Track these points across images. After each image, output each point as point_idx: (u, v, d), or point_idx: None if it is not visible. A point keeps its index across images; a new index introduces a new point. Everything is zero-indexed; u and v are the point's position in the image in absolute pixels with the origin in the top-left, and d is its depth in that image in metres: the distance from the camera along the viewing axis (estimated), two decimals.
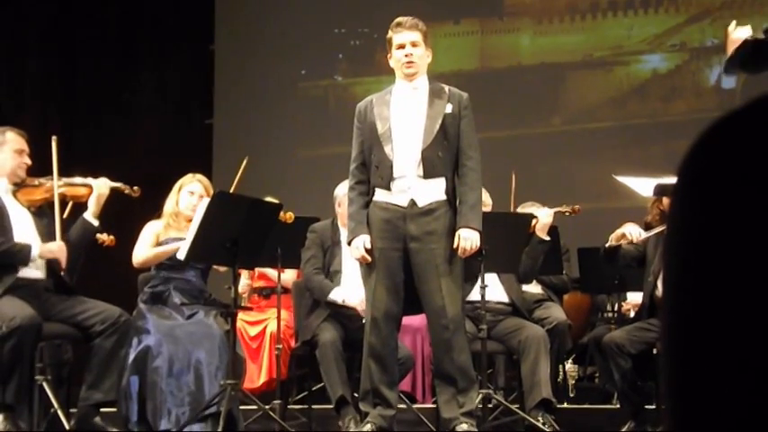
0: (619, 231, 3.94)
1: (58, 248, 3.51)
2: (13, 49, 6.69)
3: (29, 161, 3.62)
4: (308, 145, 7.30)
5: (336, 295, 3.92)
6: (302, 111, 7.39)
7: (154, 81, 7.36)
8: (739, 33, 2.66)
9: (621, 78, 6.94)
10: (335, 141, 6.33)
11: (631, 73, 6.94)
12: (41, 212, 3.62)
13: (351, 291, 3.93)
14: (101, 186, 3.68)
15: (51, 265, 3.54)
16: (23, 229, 3.55)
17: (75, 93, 7.11)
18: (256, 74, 7.45)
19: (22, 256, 3.44)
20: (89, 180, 3.72)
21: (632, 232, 3.87)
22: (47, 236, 3.55)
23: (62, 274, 3.54)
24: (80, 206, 3.76)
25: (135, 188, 3.85)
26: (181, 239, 3.79)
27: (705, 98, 6.74)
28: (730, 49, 2.67)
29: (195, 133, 7.45)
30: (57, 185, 3.60)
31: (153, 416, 3.55)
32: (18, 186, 3.61)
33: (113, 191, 3.75)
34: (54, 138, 3.68)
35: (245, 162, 4.43)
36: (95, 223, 3.70)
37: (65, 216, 3.89)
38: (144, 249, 3.93)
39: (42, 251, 3.48)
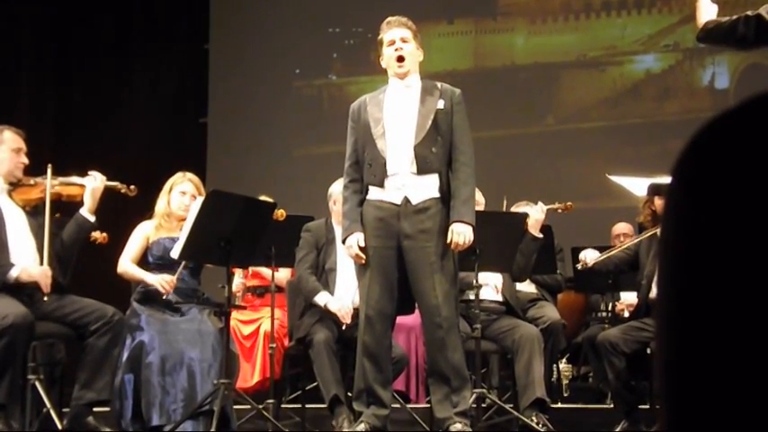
0: (580, 256, 4.19)
1: (39, 273, 3.40)
2: (7, 48, 6.66)
3: (26, 160, 3.60)
4: (302, 144, 7.30)
5: (320, 299, 3.93)
6: (296, 110, 7.38)
7: (148, 80, 7.35)
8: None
9: (615, 78, 6.96)
10: (330, 140, 6.34)
11: (625, 73, 6.95)
12: (36, 212, 3.60)
13: (340, 291, 3.93)
14: (95, 182, 3.64)
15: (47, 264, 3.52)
16: (18, 229, 3.53)
17: (69, 91, 7.09)
18: (251, 73, 7.44)
19: None
20: (83, 179, 3.68)
21: (587, 256, 4.13)
22: (40, 236, 3.53)
23: (44, 299, 3.41)
24: (74, 206, 3.73)
25: (132, 187, 3.82)
26: (171, 243, 3.80)
27: (698, 98, 6.75)
28: (699, 16, 2.71)
29: (189, 132, 7.45)
30: (49, 187, 3.56)
31: (147, 412, 3.55)
32: (14, 186, 3.59)
33: (109, 189, 3.71)
34: (50, 166, 3.61)
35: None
36: (92, 219, 3.65)
37: (57, 215, 3.87)
38: (127, 262, 3.92)
39: (21, 274, 3.39)
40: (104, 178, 3.69)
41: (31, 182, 3.62)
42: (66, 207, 3.73)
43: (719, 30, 2.63)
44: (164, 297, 3.77)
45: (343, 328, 3.82)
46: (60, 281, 3.57)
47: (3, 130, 3.60)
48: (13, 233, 3.50)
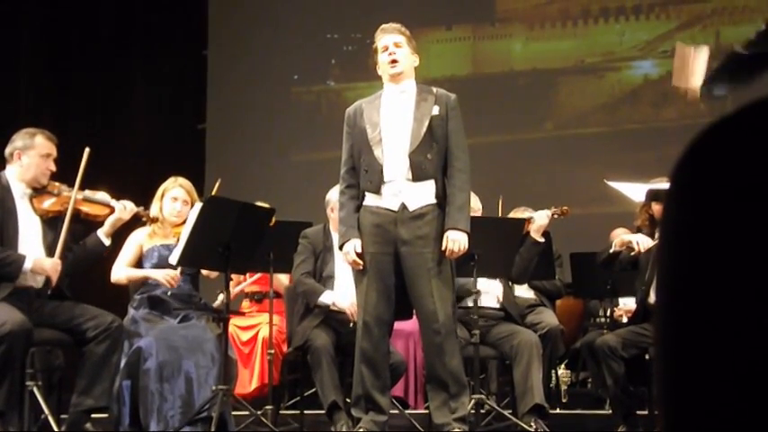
0: (626, 238, 3.91)
1: (50, 266, 3.38)
2: (6, 53, 6.66)
3: (53, 167, 3.52)
4: (300, 150, 7.30)
5: (326, 298, 3.92)
6: (295, 116, 7.39)
7: (147, 85, 7.35)
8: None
9: (613, 84, 6.96)
10: (328, 146, 6.32)
11: (623, 79, 6.96)
12: (52, 224, 3.52)
13: (341, 294, 3.92)
14: (124, 212, 3.58)
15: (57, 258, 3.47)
16: (30, 237, 3.48)
17: (68, 97, 7.08)
18: (249, 79, 7.45)
19: (13, 268, 3.34)
20: (112, 201, 3.61)
21: (640, 241, 3.78)
22: (52, 250, 3.47)
23: (48, 292, 3.42)
24: (89, 223, 3.63)
25: (153, 217, 3.79)
26: (166, 250, 3.80)
27: (696, 104, 6.75)
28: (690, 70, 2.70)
29: (188, 138, 7.44)
30: (75, 196, 3.46)
31: (144, 418, 3.54)
32: (36, 191, 3.52)
33: (133, 215, 3.65)
34: (87, 150, 3.50)
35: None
36: (107, 243, 3.62)
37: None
38: (121, 269, 3.92)
39: (35, 266, 3.37)
40: (132, 208, 3.63)
41: (55, 190, 3.53)
42: (80, 220, 3.65)
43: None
44: (168, 294, 3.76)
45: (352, 325, 3.77)
46: (61, 288, 3.56)
47: (35, 134, 3.52)
48: (24, 242, 3.45)
